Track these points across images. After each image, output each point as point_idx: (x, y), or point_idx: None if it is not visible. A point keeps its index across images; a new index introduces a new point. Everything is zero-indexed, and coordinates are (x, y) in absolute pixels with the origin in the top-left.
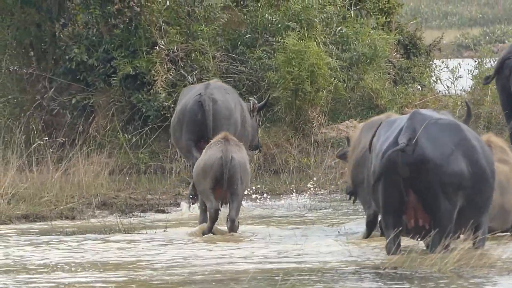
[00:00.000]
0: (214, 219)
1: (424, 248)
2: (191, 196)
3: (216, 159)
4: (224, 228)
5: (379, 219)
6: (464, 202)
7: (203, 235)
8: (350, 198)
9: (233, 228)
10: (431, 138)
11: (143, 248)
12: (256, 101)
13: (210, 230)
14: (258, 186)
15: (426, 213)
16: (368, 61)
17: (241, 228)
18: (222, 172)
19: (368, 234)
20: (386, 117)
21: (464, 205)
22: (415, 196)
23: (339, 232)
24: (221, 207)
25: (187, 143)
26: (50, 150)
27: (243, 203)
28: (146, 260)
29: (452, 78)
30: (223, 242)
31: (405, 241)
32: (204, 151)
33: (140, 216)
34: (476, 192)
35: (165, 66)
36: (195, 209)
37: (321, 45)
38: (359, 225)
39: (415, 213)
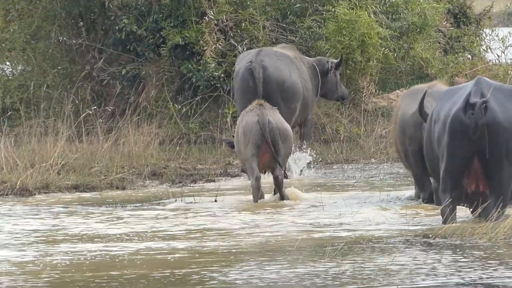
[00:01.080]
0: (258, 188)
1: (476, 217)
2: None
3: (254, 124)
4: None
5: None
6: None
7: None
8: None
9: (278, 183)
10: (499, 102)
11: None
12: (333, 61)
13: (256, 199)
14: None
15: (486, 178)
16: (418, 30)
17: (297, 195)
18: (262, 136)
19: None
20: (428, 86)
21: None
22: (479, 160)
23: (388, 200)
24: (265, 173)
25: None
26: (100, 120)
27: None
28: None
29: (503, 47)
30: (276, 210)
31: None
32: (239, 118)
33: (190, 186)
34: None
35: (214, 36)
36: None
37: (371, 15)
38: (410, 193)
39: (477, 178)
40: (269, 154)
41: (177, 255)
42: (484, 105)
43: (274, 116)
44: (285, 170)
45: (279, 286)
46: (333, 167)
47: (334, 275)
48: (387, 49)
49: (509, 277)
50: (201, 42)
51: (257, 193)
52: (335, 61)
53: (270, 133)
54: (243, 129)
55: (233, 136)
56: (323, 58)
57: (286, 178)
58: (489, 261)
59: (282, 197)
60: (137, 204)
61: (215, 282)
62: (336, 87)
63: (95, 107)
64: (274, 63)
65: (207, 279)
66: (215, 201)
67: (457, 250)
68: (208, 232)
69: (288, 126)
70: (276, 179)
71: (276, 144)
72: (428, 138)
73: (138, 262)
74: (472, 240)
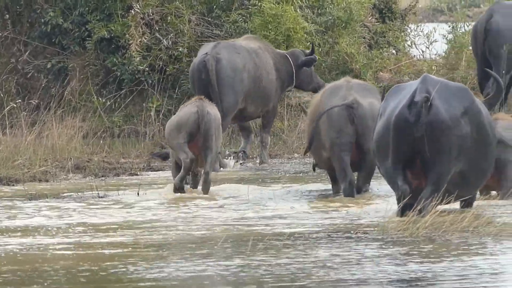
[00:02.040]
0: (189, 169)
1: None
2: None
3: (192, 114)
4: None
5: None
6: (466, 166)
7: (176, 189)
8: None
9: (207, 180)
10: (444, 100)
11: (127, 211)
12: (307, 51)
13: (182, 180)
14: (232, 149)
15: (426, 174)
16: (343, 25)
17: (221, 189)
18: (197, 126)
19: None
20: (345, 81)
21: (466, 169)
22: (422, 157)
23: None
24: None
25: None
26: (24, 113)
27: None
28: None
29: (427, 43)
30: (198, 203)
31: (378, 205)
32: (178, 110)
33: (114, 179)
34: (479, 156)
35: (140, 29)
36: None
37: (297, 9)
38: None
39: (420, 175)
40: (199, 146)
41: (101, 248)
42: (428, 103)
43: (213, 110)
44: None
45: (201, 280)
46: (257, 161)
47: (254, 269)
48: (312, 43)
49: (428, 271)
50: (126, 35)
51: (185, 173)
52: (308, 51)
53: (206, 124)
54: (179, 118)
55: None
56: (297, 50)
57: (220, 169)
58: (410, 256)
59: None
60: (60, 198)
61: (139, 276)
62: (311, 78)
63: (20, 100)
64: (230, 56)
65: (131, 271)
66: (138, 194)
67: (379, 245)
68: (131, 226)
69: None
70: (206, 174)
71: (209, 137)
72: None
73: (61, 255)
74: (393, 235)
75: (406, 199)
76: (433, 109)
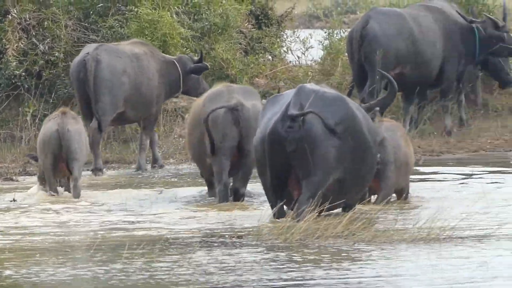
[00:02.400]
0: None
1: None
2: None
3: (52, 132)
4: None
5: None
6: (344, 174)
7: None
8: None
9: (76, 186)
10: (317, 112)
11: None
12: (195, 58)
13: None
14: (108, 155)
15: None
16: (219, 31)
17: (97, 195)
18: (59, 145)
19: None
20: (225, 86)
21: (344, 177)
22: (296, 169)
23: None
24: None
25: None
26: None
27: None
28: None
29: (303, 49)
30: (73, 208)
31: (253, 211)
32: (43, 124)
33: None
34: (358, 163)
35: (16, 34)
36: None
37: (174, 15)
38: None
39: (298, 186)
40: (65, 163)
41: None
42: (301, 118)
43: (74, 126)
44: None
45: (78, 284)
46: (132, 166)
47: (130, 274)
48: (188, 49)
49: (299, 277)
50: (3, 40)
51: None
52: (196, 58)
53: (67, 142)
54: (42, 137)
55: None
56: (185, 56)
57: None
58: (284, 261)
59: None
60: None
61: (15, 280)
62: (199, 85)
63: None
64: (110, 59)
65: (6, 276)
66: (14, 200)
67: (253, 250)
68: (7, 231)
69: (84, 135)
70: (75, 180)
71: (72, 153)
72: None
73: None
74: (268, 241)
75: (279, 206)
76: (306, 123)
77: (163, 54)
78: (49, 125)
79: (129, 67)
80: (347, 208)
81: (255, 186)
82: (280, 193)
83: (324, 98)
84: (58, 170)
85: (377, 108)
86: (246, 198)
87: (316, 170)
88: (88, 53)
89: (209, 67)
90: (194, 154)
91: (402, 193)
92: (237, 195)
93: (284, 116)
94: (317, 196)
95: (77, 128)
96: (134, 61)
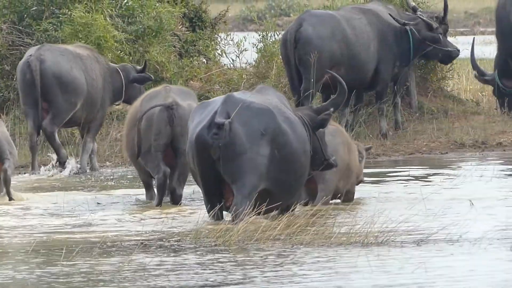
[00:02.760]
0: None
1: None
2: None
3: None
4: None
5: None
6: (271, 184)
7: None
8: None
9: (8, 187)
10: (243, 122)
11: None
12: (137, 67)
13: None
14: (45, 158)
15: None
16: (153, 34)
17: (33, 196)
18: None
19: (159, 201)
20: (163, 87)
21: (271, 188)
22: (226, 175)
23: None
24: None
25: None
26: None
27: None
28: None
29: (237, 52)
30: (8, 211)
31: (191, 213)
32: None
33: None
34: (284, 174)
35: None
36: None
37: (107, 18)
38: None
39: (230, 192)
40: None
41: None
42: (228, 126)
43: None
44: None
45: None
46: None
47: (68, 276)
48: (123, 52)
49: (238, 280)
50: None
51: None
52: (139, 67)
53: None
54: None
55: None
56: (128, 65)
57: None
58: (222, 263)
59: (9, 196)
60: None
61: None
62: (140, 94)
63: None
64: (54, 57)
65: None
66: None
67: (191, 253)
68: None
69: (10, 140)
70: (4, 172)
71: (2, 153)
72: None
73: None
74: (206, 243)
75: (215, 210)
76: (231, 132)
77: (107, 61)
78: None
79: (74, 66)
80: (284, 211)
81: (193, 187)
82: (215, 198)
83: (251, 108)
84: None
85: (332, 109)
86: (183, 200)
87: (245, 175)
88: (31, 55)
89: (152, 78)
90: (131, 155)
91: (347, 197)
92: (175, 196)
93: (211, 123)
94: (252, 198)
95: (2, 131)
96: (78, 60)
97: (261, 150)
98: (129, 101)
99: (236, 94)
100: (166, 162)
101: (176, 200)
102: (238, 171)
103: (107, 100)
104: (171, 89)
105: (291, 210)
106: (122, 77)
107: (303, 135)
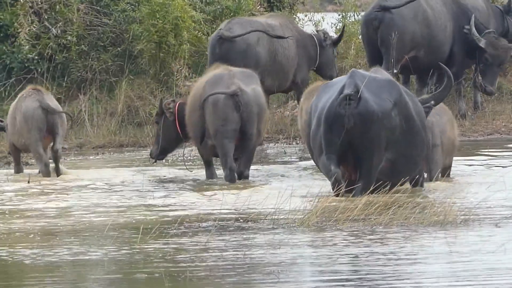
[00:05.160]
0: (48, 174)
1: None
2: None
3: (35, 109)
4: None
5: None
6: (397, 155)
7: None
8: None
9: (57, 156)
10: (372, 93)
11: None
12: (328, 33)
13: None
14: (122, 138)
15: (356, 166)
16: (232, 14)
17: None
18: (44, 120)
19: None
20: (226, 70)
21: (396, 159)
22: (352, 149)
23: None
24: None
25: None
26: None
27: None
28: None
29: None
30: (83, 192)
31: (268, 193)
32: (14, 103)
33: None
34: (408, 146)
35: (29, 18)
36: None
37: None
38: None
39: (349, 167)
40: (50, 136)
41: None
42: (358, 95)
43: (53, 101)
44: None
45: (91, 266)
46: (147, 149)
47: (146, 258)
48: (201, 32)
49: (310, 259)
50: (15, 24)
51: (49, 176)
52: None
53: (51, 118)
54: (23, 115)
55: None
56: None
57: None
58: (300, 243)
59: (58, 172)
60: None
61: (33, 261)
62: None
63: None
64: (241, 30)
65: (23, 257)
66: (28, 182)
67: (269, 233)
68: (21, 213)
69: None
70: (55, 152)
71: (56, 126)
72: (308, 129)
73: None
74: (285, 224)
75: (340, 186)
76: (363, 101)
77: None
78: (29, 103)
79: (261, 37)
80: (412, 184)
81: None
82: (336, 164)
83: (378, 81)
84: (45, 144)
85: (432, 102)
86: (257, 182)
87: (372, 149)
88: (221, 28)
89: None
90: (194, 137)
91: (445, 172)
92: (242, 178)
93: (341, 95)
94: (376, 171)
95: (55, 104)
96: (269, 30)
97: (392, 121)
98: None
99: (359, 70)
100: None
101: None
102: (369, 142)
103: (305, 67)
104: (234, 74)
105: (419, 184)
106: (316, 44)
107: (422, 111)
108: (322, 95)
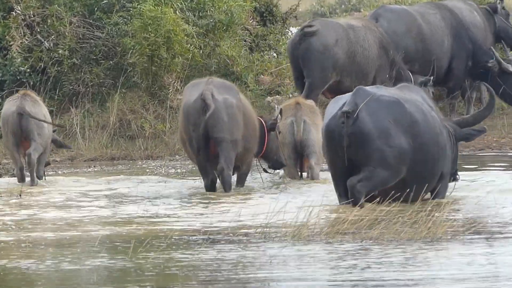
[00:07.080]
0: (22, 178)
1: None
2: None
3: (11, 113)
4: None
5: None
6: (407, 173)
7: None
8: None
9: (30, 162)
10: (371, 112)
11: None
12: None
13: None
14: (114, 151)
15: None
16: (224, 28)
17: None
18: (19, 125)
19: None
20: (205, 80)
21: (406, 178)
22: (352, 165)
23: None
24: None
25: None
26: None
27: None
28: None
29: None
30: (68, 203)
31: (258, 207)
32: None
33: None
34: (418, 163)
35: (21, 31)
36: None
37: (177, 12)
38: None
39: None
40: (27, 142)
41: None
42: (355, 114)
43: (37, 108)
44: None
45: (76, 279)
46: (138, 163)
47: (137, 270)
48: (193, 46)
49: (297, 277)
50: (7, 37)
51: (22, 181)
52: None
53: (24, 122)
54: (1, 119)
55: None
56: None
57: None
58: (288, 259)
59: (32, 181)
60: None
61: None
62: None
63: None
64: (323, 30)
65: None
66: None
67: (259, 248)
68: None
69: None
70: (28, 157)
71: (32, 132)
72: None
73: None
74: (276, 238)
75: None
76: (358, 120)
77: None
78: (8, 106)
79: (340, 38)
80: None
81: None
82: (344, 188)
83: (380, 100)
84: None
85: (485, 128)
86: (248, 195)
87: (373, 165)
88: (303, 27)
89: None
90: (183, 145)
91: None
92: (223, 176)
93: (338, 113)
94: (376, 189)
95: (38, 111)
96: (350, 31)
97: (393, 140)
98: None
99: (366, 87)
100: (211, 151)
101: (225, 180)
102: (366, 161)
103: (386, 67)
104: (212, 81)
105: (440, 197)
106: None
107: (435, 128)
108: (329, 109)
